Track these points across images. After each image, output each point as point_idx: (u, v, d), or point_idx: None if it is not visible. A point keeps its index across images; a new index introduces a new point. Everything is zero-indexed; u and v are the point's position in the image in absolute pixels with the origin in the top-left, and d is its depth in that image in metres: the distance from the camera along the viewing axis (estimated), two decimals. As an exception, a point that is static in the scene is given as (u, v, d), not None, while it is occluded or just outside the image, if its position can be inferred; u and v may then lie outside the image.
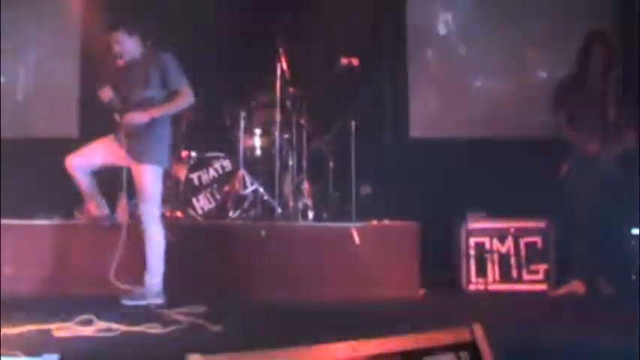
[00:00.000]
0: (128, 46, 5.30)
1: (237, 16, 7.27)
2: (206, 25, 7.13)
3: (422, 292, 5.84)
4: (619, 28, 6.88)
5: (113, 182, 5.75)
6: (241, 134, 6.58)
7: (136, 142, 5.26)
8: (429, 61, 7.81)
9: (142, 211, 5.28)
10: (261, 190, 6.46)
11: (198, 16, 7.09)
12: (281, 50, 6.46)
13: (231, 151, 6.69)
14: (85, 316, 4.30)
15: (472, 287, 6.18)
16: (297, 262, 5.80)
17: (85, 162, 5.36)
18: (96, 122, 6.15)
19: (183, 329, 4.38)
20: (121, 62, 5.33)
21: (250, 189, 6.46)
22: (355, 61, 6.54)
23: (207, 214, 6.47)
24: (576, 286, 5.92)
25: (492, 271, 6.22)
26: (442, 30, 7.75)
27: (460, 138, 7.44)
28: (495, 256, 6.22)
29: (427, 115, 7.66)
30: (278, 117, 6.46)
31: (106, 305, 4.82)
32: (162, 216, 6.30)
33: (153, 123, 5.25)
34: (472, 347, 2.51)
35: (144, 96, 5.26)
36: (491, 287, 6.16)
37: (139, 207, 5.31)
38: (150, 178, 5.28)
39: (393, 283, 5.79)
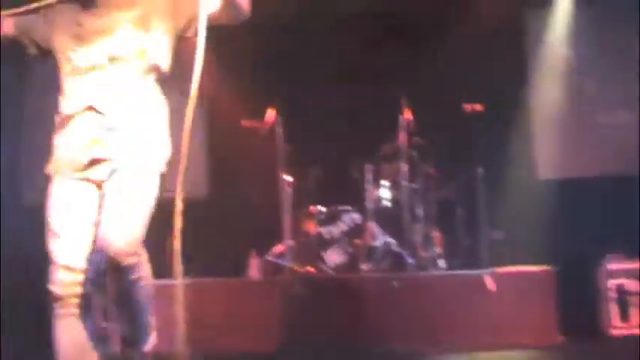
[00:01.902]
0: None
1: (360, 69, 7.40)
2: (329, 79, 7.29)
3: (561, 338, 5.69)
4: None
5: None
6: (369, 186, 6.66)
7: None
8: (553, 99, 7.67)
9: None
10: (392, 241, 6.48)
11: (321, 70, 7.26)
12: (404, 100, 6.54)
13: (359, 204, 6.76)
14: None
15: (615, 332, 5.96)
16: (431, 312, 5.76)
17: None
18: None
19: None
20: None
21: (381, 240, 6.50)
22: (478, 107, 6.53)
23: (338, 268, 6.51)
24: None
25: (636, 313, 5.99)
26: (564, 67, 7.62)
27: (590, 177, 7.25)
28: (639, 298, 6.00)
29: (554, 154, 7.52)
30: (405, 167, 6.51)
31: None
32: (292, 270, 6.36)
33: None
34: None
35: None
36: (636, 331, 5.94)
37: None
38: None
39: (530, 330, 5.66)
